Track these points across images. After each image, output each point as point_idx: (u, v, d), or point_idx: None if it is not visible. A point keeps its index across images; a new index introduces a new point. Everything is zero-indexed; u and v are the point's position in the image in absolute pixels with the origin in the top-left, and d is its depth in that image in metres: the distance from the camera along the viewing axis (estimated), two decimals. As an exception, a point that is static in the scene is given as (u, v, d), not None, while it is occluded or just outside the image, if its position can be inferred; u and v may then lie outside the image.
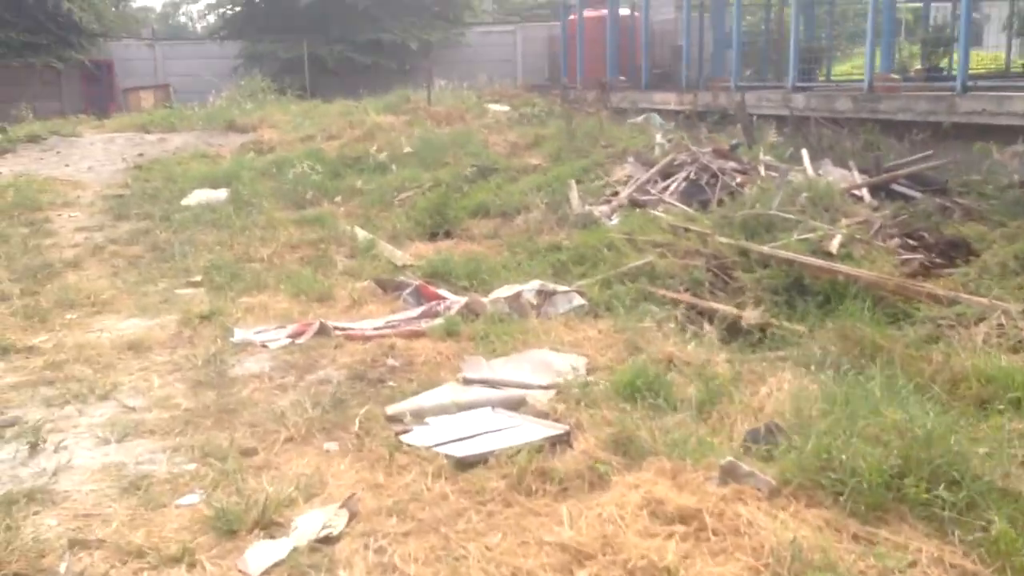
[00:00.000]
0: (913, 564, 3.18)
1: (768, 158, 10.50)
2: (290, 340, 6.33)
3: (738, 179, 9.82)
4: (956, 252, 7.41)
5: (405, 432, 4.55)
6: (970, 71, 23.45)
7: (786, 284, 6.88)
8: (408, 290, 7.19)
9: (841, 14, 30.79)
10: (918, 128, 12.56)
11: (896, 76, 15.40)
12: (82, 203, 12.23)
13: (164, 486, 4.21)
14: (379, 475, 4.15)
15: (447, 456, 4.16)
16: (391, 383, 5.49)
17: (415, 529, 3.65)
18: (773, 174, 9.86)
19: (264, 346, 6.27)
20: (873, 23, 14.58)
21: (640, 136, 12.04)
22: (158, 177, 13.49)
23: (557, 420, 4.60)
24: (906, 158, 11.46)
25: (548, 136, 13.23)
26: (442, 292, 7.15)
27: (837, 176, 9.83)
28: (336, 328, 6.48)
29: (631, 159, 10.80)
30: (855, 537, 3.31)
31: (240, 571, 3.44)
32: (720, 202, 9.16)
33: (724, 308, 6.58)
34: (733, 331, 6.47)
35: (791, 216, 7.93)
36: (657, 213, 9.23)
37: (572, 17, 26.51)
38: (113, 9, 29.48)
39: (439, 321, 6.56)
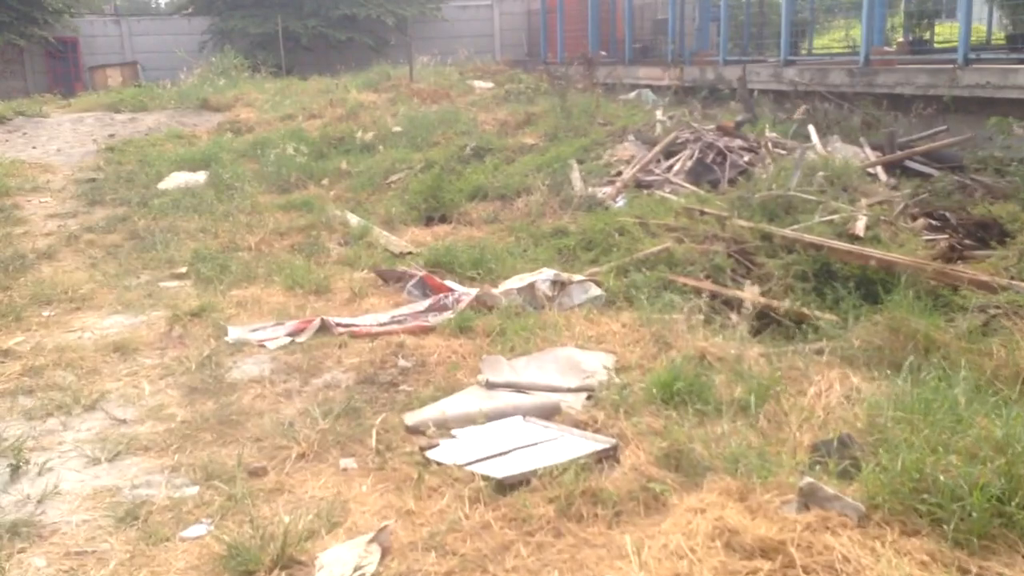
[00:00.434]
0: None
1: (774, 135, 10.11)
2: (290, 339, 5.87)
3: (746, 157, 9.42)
4: (987, 233, 7.06)
5: (431, 447, 4.11)
6: (948, 44, 23.22)
7: (814, 270, 6.50)
8: (412, 281, 6.73)
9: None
10: (917, 102, 12.24)
11: (890, 48, 15.07)
12: (53, 188, 11.61)
13: (165, 515, 3.75)
14: (408, 499, 3.71)
15: (484, 477, 3.73)
16: (405, 387, 5.05)
17: (459, 567, 3.22)
18: (781, 152, 9.48)
19: (262, 346, 5.79)
20: (868, -5, 14.19)
21: (637, 113, 11.59)
22: (132, 159, 12.87)
23: (598, 431, 4.19)
24: (910, 133, 11.14)
25: (539, 114, 12.75)
26: (449, 283, 6.70)
27: (848, 153, 9.45)
28: (338, 325, 6.02)
29: (631, 137, 10.36)
30: (963, 572, 2.93)
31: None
32: (731, 182, 8.77)
33: (751, 296, 6.18)
34: (762, 320, 6.10)
35: (811, 197, 7.54)
36: (664, 194, 8.82)
37: (550, -10, 25.96)
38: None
39: (448, 315, 6.11)
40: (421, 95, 15.19)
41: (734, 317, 6.03)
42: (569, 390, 4.79)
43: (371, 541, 3.33)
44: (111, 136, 15.02)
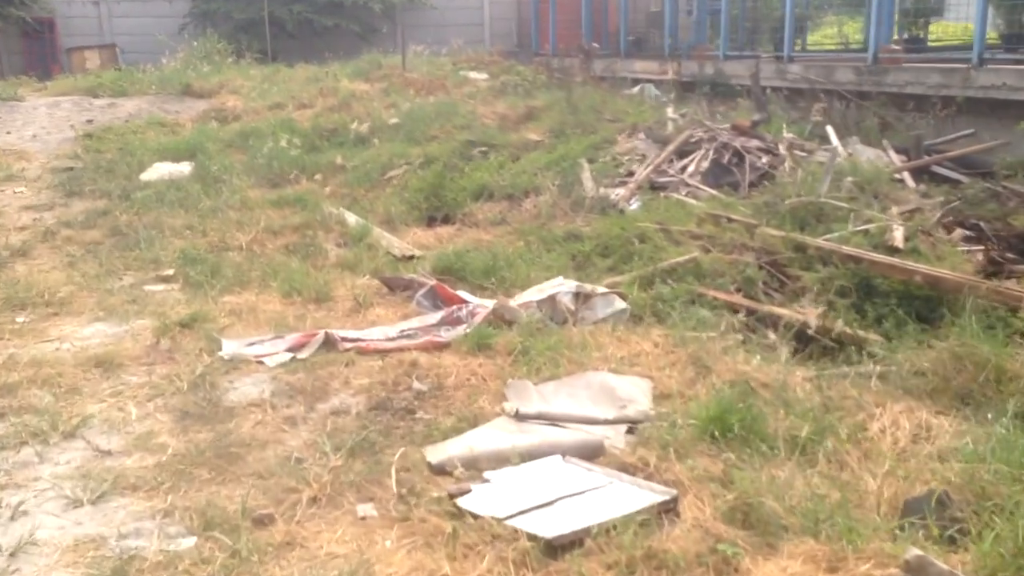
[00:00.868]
0: None
1: (791, 135, 9.67)
2: (291, 355, 5.35)
3: (764, 159, 8.97)
4: (1029, 246, 6.66)
5: (462, 492, 3.62)
6: (941, 43, 22.90)
7: (853, 285, 6.07)
8: (422, 291, 6.22)
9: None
10: (927, 102, 11.87)
11: (897, 47, 14.68)
12: (27, 176, 10.97)
13: (158, 574, 3.24)
14: (442, 561, 3.22)
15: (531, 535, 3.24)
16: (423, 414, 4.56)
17: (512, 653, 2.74)
18: (801, 153, 9.04)
19: (260, 362, 5.28)
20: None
21: (645, 110, 11.10)
22: (112, 148, 12.22)
23: (650, 476, 3.72)
24: (921, 135, 10.75)
25: (541, 108, 12.23)
26: (462, 294, 6.20)
27: (870, 156, 9.04)
28: (344, 339, 5.50)
29: (642, 135, 9.88)
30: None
31: None
32: (752, 185, 8.32)
33: (789, 313, 5.73)
34: (801, 340, 5.66)
35: (843, 204, 7.11)
36: (681, 197, 8.37)
37: (542, -21, 25.40)
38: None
39: (463, 330, 5.62)
40: (415, 85, 14.62)
41: (772, 336, 5.58)
42: (607, 422, 4.33)
43: (405, 618, 2.84)
44: (89, 122, 14.32)
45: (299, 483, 3.82)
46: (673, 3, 20.08)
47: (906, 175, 8.37)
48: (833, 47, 22.88)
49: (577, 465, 3.79)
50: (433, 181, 9.12)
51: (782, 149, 9.13)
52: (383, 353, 5.37)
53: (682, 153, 9.49)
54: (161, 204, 9.22)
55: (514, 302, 5.92)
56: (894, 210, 7.35)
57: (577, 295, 5.96)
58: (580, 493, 3.55)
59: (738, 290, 6.25)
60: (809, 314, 5.48)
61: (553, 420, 4.30)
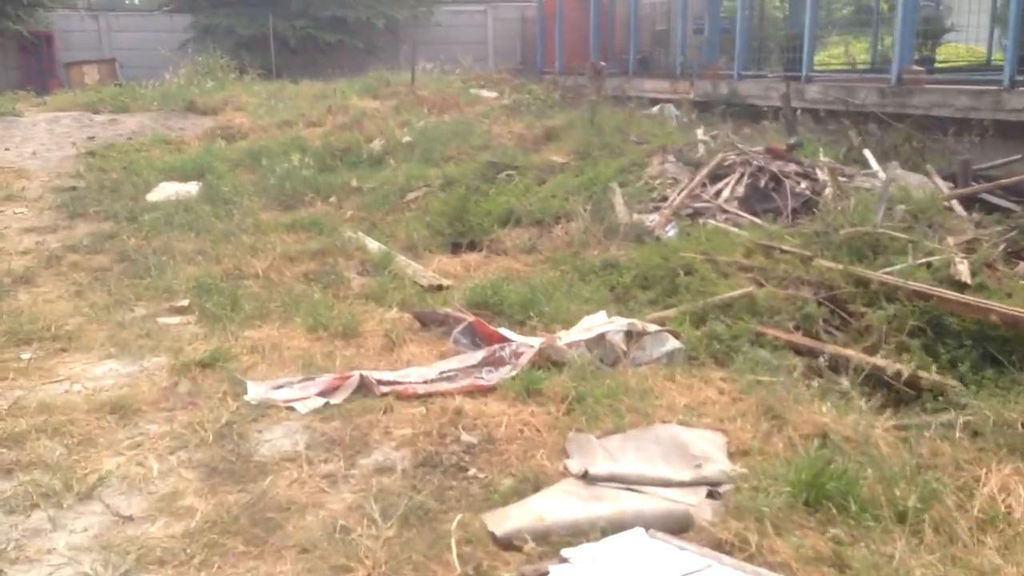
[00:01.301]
0: None
1: (827, 159, 9.29)
2: (323, 400, 4.90)
3: (803, 184, 8.58)
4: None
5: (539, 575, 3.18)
6: (948, 64, 22.62)
7: (923, 324, 5.65)
8: (459, 327, 5.78)
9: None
10: (954, 125, 11.54)
11: (919, 68, 14.36)
12: (28, 196, 10.53)
13: (198, 675, 2.79)
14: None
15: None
16: (476, 472, 4.12)
17: None
18: (843, 178, 8.66)
19: (291, 408, 4.83)
20: (904, 9, 13.45)
21: (673, 131, 10.71)
22: (115, 166, 11.80)
23: (751, 556, 3.29)
24: (948, 158, 10.40)
25: (560, 128, 11.85)
26: (503, 331, 5.76)
27: (914, 182, 8.65)
28: (380, 382, 5.06)
29: (672, 158, 9.49)
30: None
31: None
32: (795, 212, 7.92)
33: (861, 357, 5.31)
34: (871, 384, 5.24)
35: (901, 235, 6.70)
36: (719, 223, 7.97)
37: (547, -3, 25.11)
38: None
39: (508, 371, 5.19)
40: (427, 103, 14.24)
41: (844, 381, 5.15)
42: (683, 484, 3.89)
43: None
44: (91, 139, 13.91)
45: (349, 559, 3.38)
46: (684, 22, 19.79)
47: (955, 203, 7.98)
48: (840, 67, 22.64)
49: (666, 542, 3.35)
50: (456, 205, 8.70)
51: (820, 174, 8.75)
52: (423, 398, 4.94)
53: (714, 177, 9.10)
54: (170, 227, 8.79)
55: (561, 340, 5.49)
56: (950, 241, 6.94)
57: (629, 334, 5.53)
58: (678, 579, 3.11)
59: (797, 328, 5.84)
60: (890, 361, 5.04)
61: (626, 482, 3.86)
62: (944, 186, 8.45)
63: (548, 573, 3.20)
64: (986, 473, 3.99)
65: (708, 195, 8.71)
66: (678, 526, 3.51)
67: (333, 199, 9.79)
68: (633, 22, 21.06)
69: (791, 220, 7.79)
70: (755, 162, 9.04)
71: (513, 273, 7.42)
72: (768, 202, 8.24)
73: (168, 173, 11.13)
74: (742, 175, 8.97)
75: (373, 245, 8.01)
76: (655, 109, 13.81)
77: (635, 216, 8.18)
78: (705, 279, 6.45)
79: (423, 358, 5.60)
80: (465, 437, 4.44)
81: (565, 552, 3.35)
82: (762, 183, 8.70)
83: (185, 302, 6.67)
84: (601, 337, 5.50)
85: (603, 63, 21.30)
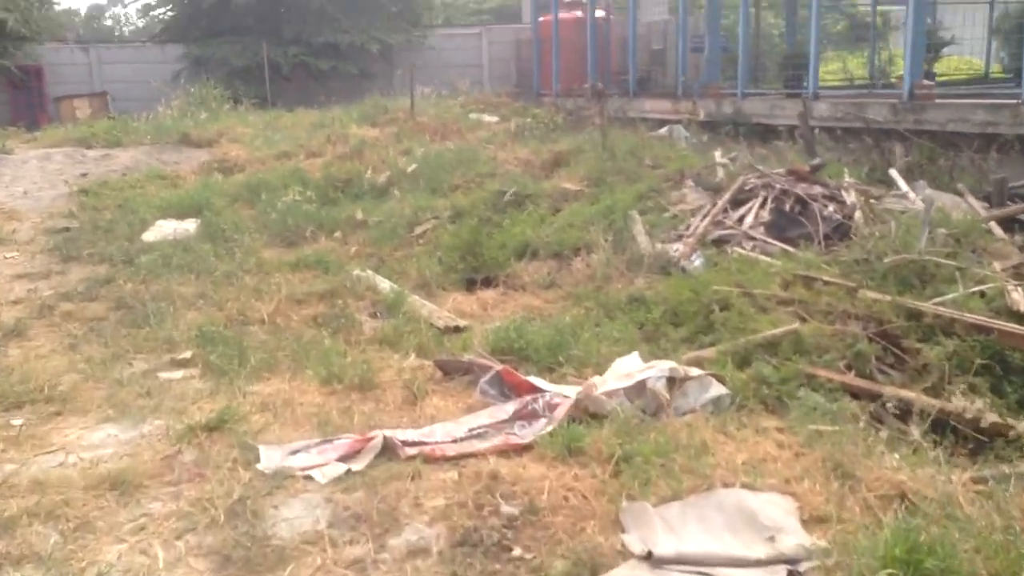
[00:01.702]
0: None
1: (851, 179, 8.91)
2: (344, 466, 4.47)
3: (830, 207, 8.19)
4: None
5: None
6: (946, 77, 22.36)
7: (984, 360, 5.25)
8: (486, 377, 5.35)
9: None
10: (970, 141, 11.22)
11: (930, 83, 14.05)
12: (19, 239, 10.10)
13: None
14: None
15: None
16: (521, 552, 3.68)
17: None
18: (874, 200, 8.28)
19: (308, 477, 4.39)
20: (914, 24, 13.15)
21: (689, 154, 10.33)
22: (109, 204, 11.38)
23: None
24: (964, 175, 10.05)
25: (568, 153, 11.47)
26: (533, 380, 5.33)
27: (947, 203, 8.27)
28: (405, 443, 4.63)
29: (690, 183, 9.10)
30: None
31: None
32: (827, 238, 7.52)
33: (926, 400, 4.90)
34: (936, 429, 4.84)
35: (948, 261, 6.30)
36: (747, 252, 7.58)
37: (542, 19, 24.84)
38: (37, 11, 26.70)
39: (543, 426, 4.77)
40: (428, 130, 13.87)
41: (913, 430, 4.74)
42: (759, 563, 3.46)
43: None
44: (83, 176, 13.50)
45: (391, 671, 2.94)
46: (684, 41, 19.51)
47: (993, 224, 7.59)
48: (837, 83, 22.36)
49: (754, 640, 2.92)
50: (468, 238, 8.30)
51: (848, 196, 8.37)
52: (454, 460, 4.50)
53: (736, 202, 8.71)
54: (169, 269, 8.36)
55: (597, 389, 5.06)
56: (997, 266, 6.56)
57: (671, 380, 5.11)
58: None
59: (849, 368, 5.43)
60: (964, 404, 4.63)
61: (696, 564, 3.43)
62: (979, 206, 8.07)
63: None
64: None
65: (731, 221, 8.31)
66: (763, 619, 3.08)
67: (338, 234, 9.38)
68: (632, 43, 20.78)
69: (824, 247, 7.39)
70: (778, 185, 8.65)
71: (534, 311, 7.02)
72: (797, 227, 7.85)
73: (164, 210, 10.71)
74: (765, 199, 8.59)
75: (384, 284, 7.59)
76: (663, 131, 13.45)
77: (658, 246, 7.78)
78: (743, 315, 6.05)
79: (448, 412, 5.17)
80: (505, 508, 4.00)
81: (640, 658, 2.91)
82: (787, 207, 8.31)
83: (187, 354, 6.23)
84: (641, 385, 5.07)
85: (599, 84, 21.06)
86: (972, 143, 11.09)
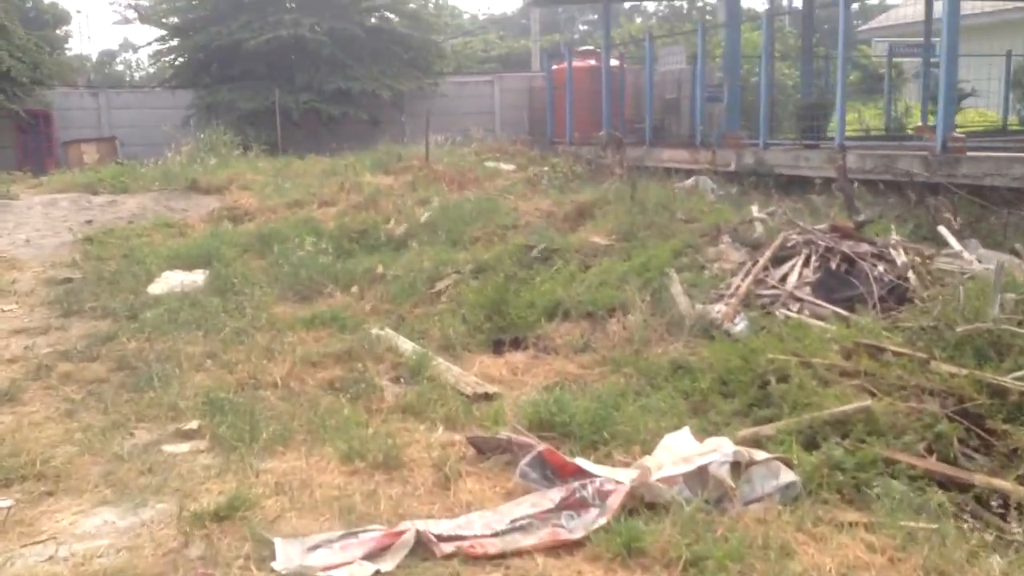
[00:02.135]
0: None
1: (897, 237, 8.42)
2: (373, 567, 3.92)
3: (880, 267, 7.69)
4: None
5: None
6: (965, 130, 22.13)
7: (1084, 445, 4.71)
8: (526, 458, 4.80)
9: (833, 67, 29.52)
10: (1007, 195, 10.76)
11: (961, 135, 13.66)
12: (19, 291, 9.63)
13: None
14: None
15: None
16: None
17: None
18: (918, 259, 7.78)
19: (332, 580, 3.84)
20: (946, 77, 12.77)
21: (722, 207, 9.87)
22: (115, 253, 10.94)
23: None
24: (1007, 233, 9.58)
25: (591, 204, 11.02)
26: (580, 461, 4.79)
27: (1005, 263, 7.77)
28: (439, 538, 4.08)
29: (727, 239, 8.63)
30: None
31: None
32: (881, 301, 7.01)
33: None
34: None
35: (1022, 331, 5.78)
36: (794, 314, 7.07)
37: (555, 67, 24.66)
38: (48, 56, 26.57)
39: (594, 517, 4.23)
40: (444, 179, 13.47)
41: (1015, 528, 4.18)
42: None
43: None
44: (88, 222, 13.10)
45: None
46: (702, 90, 19.21)
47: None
48: (852, 134, 22.07)
49: None
50: (494, 295, 7.80)
51: (897, 255, 7.87)
52: (496, 560, 3.96)
53: (777, 259, 8.22)
54: (175, 325, 7.87)
55: (654, 474, 4.52)
56: (1073, 334, 6.02)
57: (735, 464, 4.57)
58: None
59: (929, 451, 4.88)
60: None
61: None
62: (1039, 267, 7.57)
63: None
64: None
65: (773, 280, 7.82)
66: None
67: (354, 289, 8.88)
68: (648, 91, 20.49)
69: (879, 311, 6.87)
70: (821, 242, 8.17)
71: (568, 378, 6.49)
72: (847, 288, 7.34)
73: (172, 261, 10.26)
74: (808, 257, 8.10)
75: (406, 345, 7.08)
76: (689, 181, 13.03)
77: (698, 307, 7.28)
78: (803, 387, 5.51)
79: (486, 498, 4.62)
80: (561, 624, 3.45)
81: None
82: (834, 266, 7.82)
83: (194, 424, 5.70)
84: (703, 470, 4.54)
85: (614, 132, 20.75)
86: (1010, 198, 10.66)
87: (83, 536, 4.32)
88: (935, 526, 4.06)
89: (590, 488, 4.47)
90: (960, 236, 8.68)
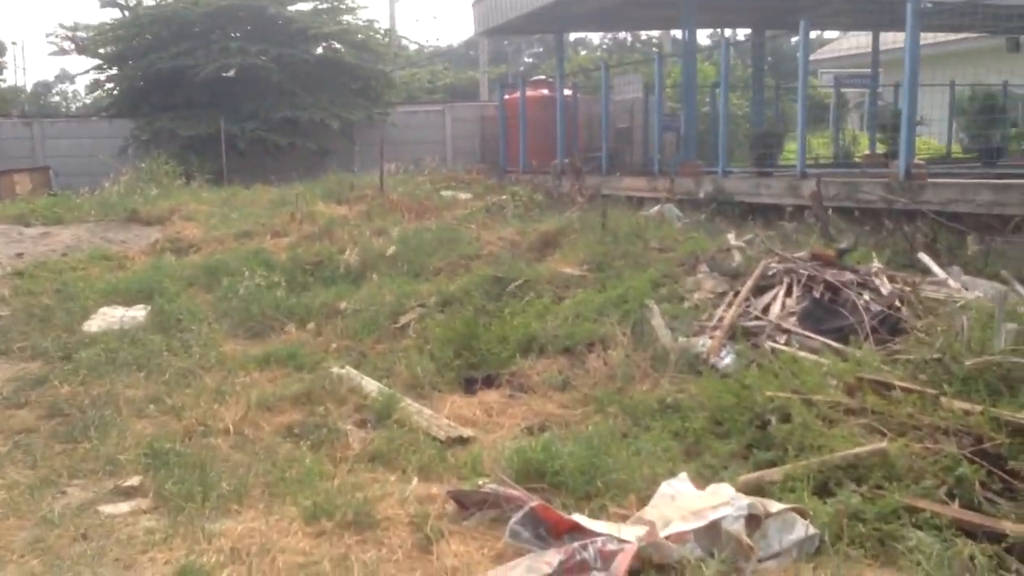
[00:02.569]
0: None
1: (879, 264, 8.15)
2: (350, 653, 3.36)
3: (865, 296, 7.38)
4: None
5: None
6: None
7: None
8: (518, 515, 4.28)
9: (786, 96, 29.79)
10: (971, 222, 10.64)
11: (922, 161, 13.62)
12: (-59, 330, 8.83)
13: None
14: None
15: None
16: None
17: None
18: (904, 288, 7.49)
19: (302, 671, 3.27)
20: (908, 106, 12.69)
21: (698, 235, 9.49)
22: (47, 288, 10.19)
23: None
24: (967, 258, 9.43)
25: (556, 233, 10.59)
26: (577, 517, 4.29)
27: (988, 289, 7.53)
28: (425, 614, 3.55)
29: (705, 268, 8.26)
30: None
31: None
32: (874, 332, 6.67)
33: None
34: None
35: (1033, 363, 5.46)
36: (782, 347, 6.70)
37: (507, 97, 24.41)
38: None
39: (599, 584, 3.73)
40: (401, 208, 12.96)
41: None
42: None
43: None
44: (19, 256, 12.28)
45: None
46: (659, 119, 19.07)
47: (1050, 314, 6.81)
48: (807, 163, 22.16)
49: None
50: (463, 330, 7.30)
51: (881, 284, 7.58)
52: (492, 638, 3.43)
53: (757, 289, 7.87)
54: (113, 367, 7.22)
55: (661, 531, 4.05)
56: (1077, 365, 5.72)
57: (750, 518, 4.12)
58: None
59: (950, 496, 4.49)
60: None
61: None
62: (1027, 293, 7.34)
63: None
64: None
65: (757, 311, 7.45)
66: None
67: (311, 325, 8.30)
68: (604, 120, 20.30)
69: (872, 342, 6.53)
70: (803, 271, 7.84)
71: (549, 419, 6.00)
72: (835, 319, 7.00)
73: (109, 296, 9.57)
74: (790, 286, 7.76)
75: (370, 385, 6.53)
76: (655, 209, 12.71)
77: (681, 340, 6.87)
78: (808, 428, 5.10)
79: (473, 562, 4.10)
80: None
81: None
82: (817, 295, 7.48)
83: (135, 480, 5.07)
84: (714, 525, 4.07)
85: (567, 161, 20.47)
86: (974, 223, 10.54)
87: (3, 621, 3.70)
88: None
89: (591, 549, 3.97)
90: (942, 263, 8.44)
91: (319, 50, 26.45)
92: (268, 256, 10.66)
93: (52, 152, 24.69)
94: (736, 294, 7.61)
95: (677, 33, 32.39)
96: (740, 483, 4.72)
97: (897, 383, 5.34)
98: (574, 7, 20.16)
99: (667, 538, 4.01)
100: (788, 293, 7.72)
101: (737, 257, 8.33)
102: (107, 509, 4.78)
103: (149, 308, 9.10)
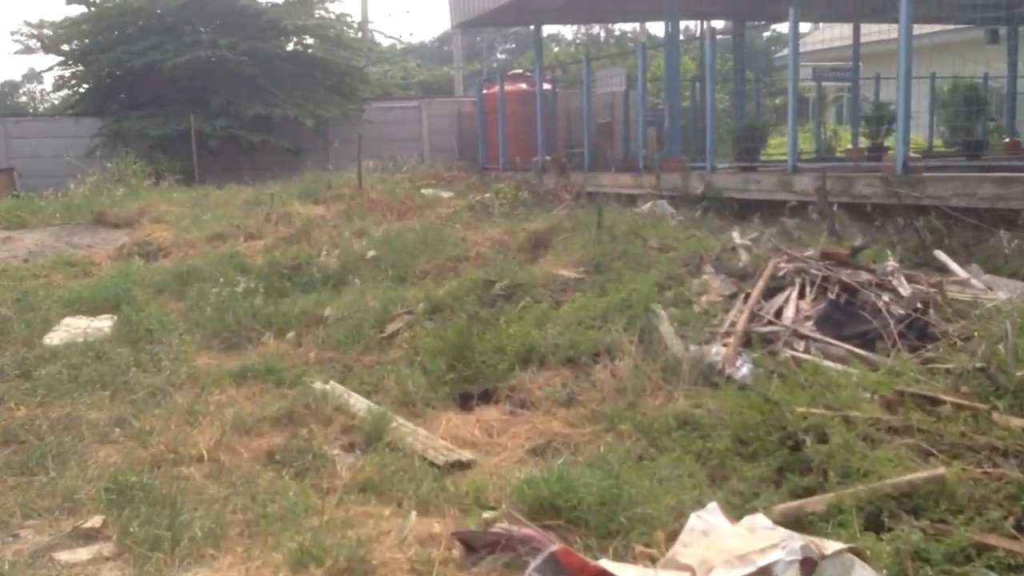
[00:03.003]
0: None
1: (894, 263, 7.70)
2: None
3: (884, 297, 6.92)
4: None
5: None
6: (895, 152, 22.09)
7: None
8: (537, 561, 3.74)
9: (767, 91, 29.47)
10: (971, 216, 10.26)
11: (918, 155, 13.26)
12: None
13: None
14: None
15: None
16: None
17: None
18: (927, 289, 7.03)
19: None
20: (904, 100, 12.29)
21: (704, 235, 8.98)
22: (6, 298, 9.50)
23: None
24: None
25: (547, 232, 10.07)
26: (605, 563, 3.76)
27: (1012, 289, 7.10)
28: None
29: (710, 269, 7.76)
30: None
31: None
32: (901, 337, 6.19)
33: None
34: None
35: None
36: (800, 354, 6.22)
37: (486, 91, 23.85)
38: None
39: (637, 646, 3.20)
40: (381, 208, 12.38)
41: None
42: None
43: None
44: (-23, 262, 11.58)
45: None
46: (642, 113, 18.61)
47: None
48: (782, 157, 21.80)
49: None
50: (456, 340, 6.76)
51: (899, 284, 7.12)
52: None
53: (767, 290, 7.39)
54: (76, 385, 6.60)
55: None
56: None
57: (804, 562, 3.61)
58: None
59: (1018, 529, 4.01)
60: None
61: None
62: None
63: None
64: None
65: (769, 315, 6.97)
66: None
67: (291, 334, 7.72)
68: (586, 116, 19.81)
69: (899, 349, 6.05)
70: (815, 271, 7.38)
71: (555, 438, 5.48)
72: (857, 323, 6.52)
73: (73, 305, 8.93)
74: (803, 287, 7.29)
75: (358, 403, 5.98)
76: (647, 206, 12.22)
77: (692, 348, 6.37)
78: (850, 450, 4.60)
79: (487, 617, 3.56)
80: None
81: None
82: (833, 297, 7.02)
83: (96, 520, 4.49)
84: (765, 572, 3.56)
85: (548, 157, 19.97)
86: (975, 219, 10.16)
87: None
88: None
89: (624, 601, 3.45)
90: (959, 262, 8.01)
91: (291, 45, 25.77)
92: (243, 260, 10.06)
93: (16, 153, 23.84)
94: (746, 297, 7.13)
95: (651, 27, 32.06)
96: (777, 513, 4.21)
97: (945, 397, 4.86)
98: (551, -3, 19.71)
99: (712, 586, 3.50)
100: (801, 295, 7.25)
101: (744, 256, 7.85)
102: (64, 556, 4.20)
103: (116, 318, 8.49)
